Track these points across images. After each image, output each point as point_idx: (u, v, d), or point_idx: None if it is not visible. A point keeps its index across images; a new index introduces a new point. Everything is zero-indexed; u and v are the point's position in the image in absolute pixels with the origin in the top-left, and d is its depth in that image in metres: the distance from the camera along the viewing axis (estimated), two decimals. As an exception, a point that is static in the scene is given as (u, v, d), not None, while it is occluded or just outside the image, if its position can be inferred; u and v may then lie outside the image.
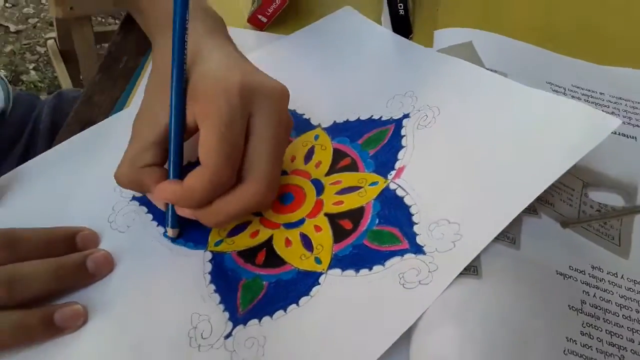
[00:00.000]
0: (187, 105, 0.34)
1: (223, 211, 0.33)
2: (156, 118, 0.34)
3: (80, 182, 0.40)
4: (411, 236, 0.33)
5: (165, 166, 0.35)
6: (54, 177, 0.40)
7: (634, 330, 0.29)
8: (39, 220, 0.36)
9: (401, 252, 0.32)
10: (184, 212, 0.34)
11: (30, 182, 0.40)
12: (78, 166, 0.40)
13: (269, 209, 0.36)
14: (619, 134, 0.39)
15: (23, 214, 0.38)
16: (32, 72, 1.74)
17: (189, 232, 0.36)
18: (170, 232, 0.36)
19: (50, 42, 1.59)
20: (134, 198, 0.38)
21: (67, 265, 0.33)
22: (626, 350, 0.29)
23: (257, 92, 0.33)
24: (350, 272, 0.32)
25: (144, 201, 0.38)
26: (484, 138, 0.36)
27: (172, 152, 0.34)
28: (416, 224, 0.33)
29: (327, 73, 0.44)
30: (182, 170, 0.34)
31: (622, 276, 0.31)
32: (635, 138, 0.39)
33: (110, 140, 0.41)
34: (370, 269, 0.32)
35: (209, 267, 0.34)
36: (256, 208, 0.34)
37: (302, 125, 0.42)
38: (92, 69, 1.32)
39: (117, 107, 0.45)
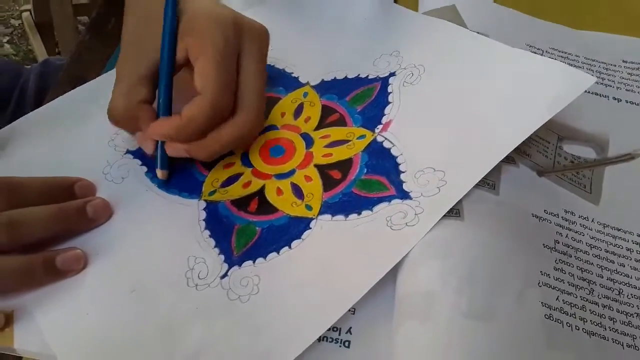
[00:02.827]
0: (179, 40, 0.35)
1: (218, 142, 0.34)
2: (145, 54, 0.36)
3: (74, 137, 0.40)
4: (398, 184, 0.34)
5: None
6: (49, 132, 0.40)
7: (603, 267, 0.32)
8: (34, 174, 0.36)
9: (388, 198, 0.34)
10: (176, 150, 0.35)
11: (24, 137, 0.40)
12: (72, 121, 0.41)
13: (261, 162, 0.38)
14: (592, 93, 0.41)
15: (17, 169, 0.38)
16: (7, 46, 1.71)
17: (182, 183, 0.37)
18: (160, 173, 0.37)
19: (25, 14, 1.56)
20: (128, 152, 0.39)
21: (68, 209, 0.34)
22: (595, 284, 0.31)
23: (246, 29, 0.35)
24: (339, 217, 0.34)
25: (138, 154, 0.39)
26: (467, 93, 0.37)
27: (163, 88, 0.35)
28: (403, 172, 0.35)
29: (315, 33, 0.46)
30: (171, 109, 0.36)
31: (592, 220, 0.34)
32: (607, 97, 0.41)
33: (105, 97, 0.42)
34: (359, 213, 0.34)
35: (203, 214, 0.36)
36: (248, 137, 0.37)
37: (291, 83, 0.43)
38: (71, 40, 1.30)
39: (108, 66, 0.46)
